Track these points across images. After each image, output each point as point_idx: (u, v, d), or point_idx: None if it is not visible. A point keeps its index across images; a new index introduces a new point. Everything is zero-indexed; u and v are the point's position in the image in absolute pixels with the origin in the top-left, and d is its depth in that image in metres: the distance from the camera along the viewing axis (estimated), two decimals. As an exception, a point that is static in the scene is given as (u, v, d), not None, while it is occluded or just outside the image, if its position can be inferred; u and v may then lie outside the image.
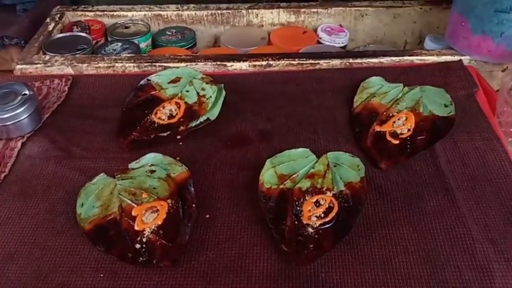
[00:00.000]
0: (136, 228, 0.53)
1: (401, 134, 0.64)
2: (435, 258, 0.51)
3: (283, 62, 0.79)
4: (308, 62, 0.79)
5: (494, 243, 0.52)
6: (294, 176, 0.59)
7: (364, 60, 0.79)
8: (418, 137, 0.63)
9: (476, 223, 0.54)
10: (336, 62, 0.79)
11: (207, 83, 0.72)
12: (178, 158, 0.62)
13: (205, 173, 0.61)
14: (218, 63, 0.79)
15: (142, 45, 0.92)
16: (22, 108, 0.65)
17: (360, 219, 0.54)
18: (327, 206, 0.55)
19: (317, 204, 0.55)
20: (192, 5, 0.97)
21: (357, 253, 0.52)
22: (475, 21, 0.75)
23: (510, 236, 0.53)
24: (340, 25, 0.95)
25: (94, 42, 0.90)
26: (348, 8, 0.96)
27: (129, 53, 0.86)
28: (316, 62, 0.79)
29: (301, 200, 0.56)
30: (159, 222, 0.53)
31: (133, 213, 0.55)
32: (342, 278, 0.50)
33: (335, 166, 0.60)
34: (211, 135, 0.67)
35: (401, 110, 0.67)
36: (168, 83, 0.73)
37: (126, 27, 0.95)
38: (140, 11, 0.96)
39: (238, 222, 0.55)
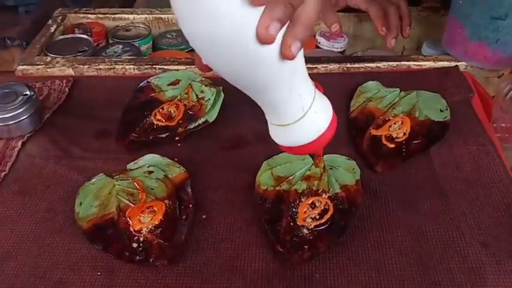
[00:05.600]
0: (133, 227, 0.54)
1: (397, 138, 0.65)
2: (428, 261, 0.52)
3: (281, 66, 0.80)
4: (306, 66, 0.80)
5: (487, 246, 0.53)
6: (291, 178, 0.60)
7: (362, 65, 0.80)
8: (414, 141, 0.64)
9: (469, 226, 0.55)
10: (333, 67, 0.80)
11: (206, 86, 0.72)
12: (176, 159, 0.63)
13: (202, 174, 0.62)
14: (217, 66, 0.80)
15: (143, 47, 0.93)
16: (23, 108, 0.66)
17: (355, 222, 0.55)
18: (322, 208, 0.56)
19: (313, 206, 0.56)
20: (192, 9, 0.98)
21: (351, 255, 0.52)
22: (471, 28, 0.76)
23: (502, 239, 0.53)
24: (339, 30, 0.96)
25: (95, 44, 0.91)
26: (347, 14, 0.96)
27: (129, 56, 0.87)
28: (314, 66, 0.80)
29: (297, 201, 0.57)
30: (156, 222, 0.54)
31: (131, 213, 0.56)
32: (336, 279, 0.50)
33: (331, 169, 0.60)
34: (209, 137, 0.68)
35: (398, 115, 0.68)
36: (168, 85, 0.74)
37: (127, 30, 0.96)
38: (141, 14, 0.97)
39: (235, 223, 0.56)
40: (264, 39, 0.36)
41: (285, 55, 0.38)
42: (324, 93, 0.75)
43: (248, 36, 0.36)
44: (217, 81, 0.73)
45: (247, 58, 0.38)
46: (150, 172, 0.61)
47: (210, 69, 0.42)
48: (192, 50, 0.94)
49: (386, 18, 0.82)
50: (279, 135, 0.47)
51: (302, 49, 0.40)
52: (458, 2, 0.77)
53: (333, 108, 0.47)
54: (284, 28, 0.37)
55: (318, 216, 0.55)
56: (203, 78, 0.74)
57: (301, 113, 0.44)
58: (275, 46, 0.37)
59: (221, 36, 0.36)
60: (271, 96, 0.43)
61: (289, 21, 0.38)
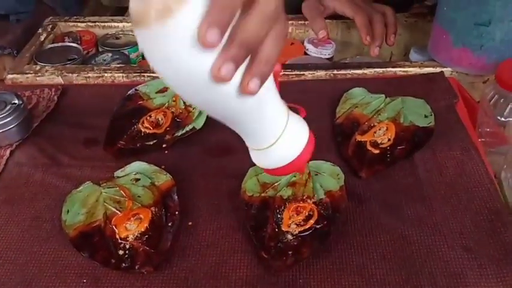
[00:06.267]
0: (119, 235, 0.55)
1: (382, 143, 0.65)
2: (410, 265, 0.52)
3: (269, 73, 0.80)
4: (293, 73, 0.81)
5: (469, 250, 0.53)
6: (276, 184, 0.60)
7: (349, 71, 0.81)
8: (398, 147, 0.65)
9: (451, 231, 0.55)
10: (320, 73, 0.81)
11: (193, 93, 0.73)
12: (163, 167, 0.63)
13: (189, 181, 0.63)
14: (205, 73, 0.80)
15: (133, 55, 0.93)
16: (11, 117, 0.67)
17: (339, 227, 0.56)
18: (307, 213, 0.56)
19: (297, 212, 0.57)
20: (182, 17, 0.98)
21: (335, 260, 0.53)
22: (455, 34, 0.77)
23: (484, 244, 0.54)
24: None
25: (85, 52, 0.91)
26: (335, 21, 0.97)
27: (118, 63, 0.88)
28: (302, 73, 0.81)
29: (282, 208, 0.57)
30: (142, 229, 0.55)
31: (117, 221, 0.56)
32: (320, 284, 0.51)
33: (316, 175, 0.61)
34: (196, 144, 0.68)
35: (383, 121, 0.69)
36: (156, 92, 0.75)
37: (117, 38, 0.96)
38: (131, 21, 0.98)
39: (220, 230, 0.57)
40: (217, 80, 0.35)
41: (244, 92, 0.37)
42: (311, 100, 0.76)
43: (204, 76, 0.35)
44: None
45: (207, 96, 0.37)
46: (137, 180, 0.61)
47: None
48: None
49: (371, 26, 0.83)
50: (257, 158, 0.48)
51: (271, 75, 0.40)
52: (443, 8, 0.78)
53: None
54: (245, 64, 0.36)
55: (302, 222, 0.55)
56: (191, 86, 0.75)
57: (274, 139, 0.45)
58: (234, 83, 0.36)
59: (178, 75, 0.36)
60: (240, 127, 0.44)
61: (250, 57, 0.36)
